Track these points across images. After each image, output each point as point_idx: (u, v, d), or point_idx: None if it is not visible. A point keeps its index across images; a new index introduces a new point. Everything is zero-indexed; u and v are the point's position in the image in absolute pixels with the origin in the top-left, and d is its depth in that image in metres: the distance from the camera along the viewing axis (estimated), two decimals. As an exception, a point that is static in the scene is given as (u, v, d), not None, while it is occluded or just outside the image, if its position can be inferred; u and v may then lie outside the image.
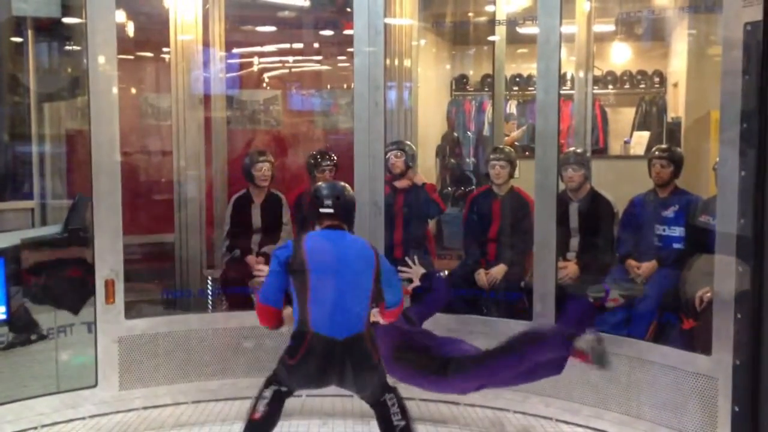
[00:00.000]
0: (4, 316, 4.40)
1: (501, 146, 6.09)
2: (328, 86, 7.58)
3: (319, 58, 7.55)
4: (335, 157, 5.86)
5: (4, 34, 5.64)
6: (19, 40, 5.62)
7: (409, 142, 5.96)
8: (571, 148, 5.87)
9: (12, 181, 5.78)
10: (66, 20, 5.18)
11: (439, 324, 4.89)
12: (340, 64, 7.43)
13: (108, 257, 4.64)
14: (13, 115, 5.85)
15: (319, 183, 4.00)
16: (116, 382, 4.75)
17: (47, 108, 5.62)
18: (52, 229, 5.08)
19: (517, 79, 9.21)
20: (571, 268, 5.09)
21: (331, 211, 3.79)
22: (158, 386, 4.86)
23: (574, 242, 5.24)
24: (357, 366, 3.59)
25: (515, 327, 4.70)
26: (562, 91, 4.89)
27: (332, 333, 3.56)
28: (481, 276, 5.31)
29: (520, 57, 8.76)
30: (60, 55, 5.81)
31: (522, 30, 7.42)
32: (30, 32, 5.49)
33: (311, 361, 3.56)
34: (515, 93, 9.20)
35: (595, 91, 7.30)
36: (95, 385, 4.69)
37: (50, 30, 5.46)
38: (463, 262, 5.60)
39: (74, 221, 4.96)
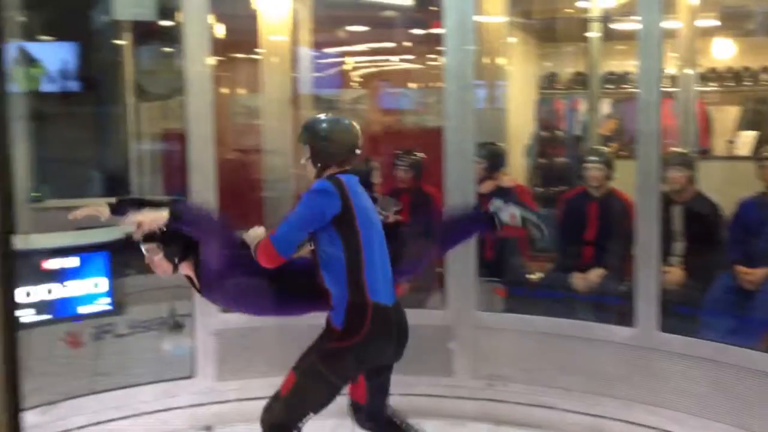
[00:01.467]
0: (110, 307, 4.52)
1: (598, 147, 5.92)
2: (416, 84, 7.53)
3: (407, 56, 7.52)
4: (417, 156, 5.78)
5: (105, 37, 5.80)
6: (120, 42, 5.76)
7: (496, 144, 5.85)
8: (675, 149, 5.67)
9: (113, 178, 5.93)
10: (162, 23, 5.26)
11: (535, 326, 4.82)
12: (427, 63, 7.37)
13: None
14: (114, 115, 6.01)
15: (336, 117, 3.60)
16: (212, 373, 4.82)
17: (145, 108, 5.73)
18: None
19: (611, 77, 8.99)
20: (675, 273, 4.90)
21: (360, 151, 3.48)
22: (253, 379, 4.87)
23: (678, 246, 5.04)
24: (404, 335, 3.39)
25: (614, 332, 4.59)
26: (663, 89, 4.73)
27: (386, 299, 3.30)
28: (578, 279, 5.17)
29: (614, 54, 8.53)
30: (158, 57, 5.93)
31: (616, 26, 7.24)
32: (129, 35, 5.62)
33: (379, 336, 3.27)
34: (609, 91, 8.98)
35: (698, 89, 7.04)
36: (193, 376, 4.76)
37: (148, 33, 5.57)
38: (558, 264, 5.47)
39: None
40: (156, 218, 3.37)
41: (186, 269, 3.53)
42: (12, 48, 5.11)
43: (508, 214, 3.72)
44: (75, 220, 3.49)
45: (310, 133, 3.43)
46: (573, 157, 8.14)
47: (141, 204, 3.58)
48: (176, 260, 3.49)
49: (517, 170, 7.81)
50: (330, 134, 3.40)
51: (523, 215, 3.76)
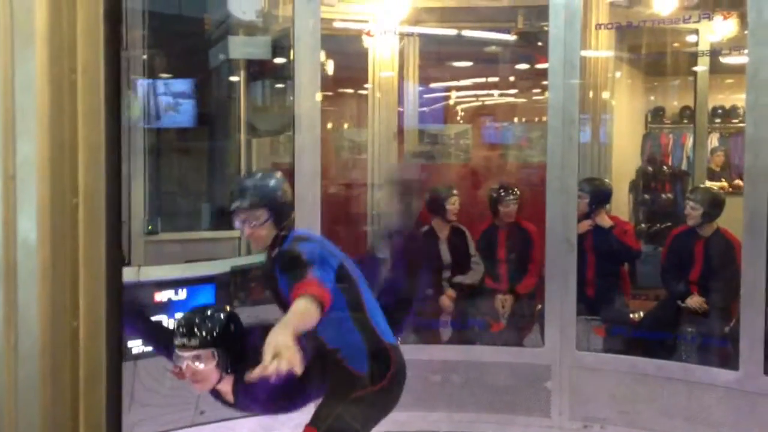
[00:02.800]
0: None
1: (701, 185, 5.80)
2: (519, 119, 7.55)
3: (511, 91, 7.55)
4: (518, 191, 5.77)
5: (221, 75, 6.09)
6: (234, 79, 6.04)
7: (602, 180, 5.80)
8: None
9: (224, 213, 6.18)
10: (275, 61, 5.49)
11: (635, 367, 4.73)
12: (532, 98, 7.39)
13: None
14: (227, 150, 6.28)
15: (272, 173, 3.53)
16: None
17: (255, 143, 5.97)
18: (257, 258, 5.38)
19: (719, 111, 8.76)
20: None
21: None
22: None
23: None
24: (405, 374, 3.20)
25: (718, 375, 4.47)
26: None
27: (392, 339, 3.16)
28: (694, 299, 5.05)
29: (722, 88, 8.33)
30: (270, 94, 6.18)
31: (724, 60, 7.09)
32: (243, 72, 5.88)
33: (400, 380, 3.13)
34: (717, 125, 8.76)
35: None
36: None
37: (261, 71, 5.82)
38: (663, 301, 5.35)
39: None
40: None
41: (225, 383, 3.01)
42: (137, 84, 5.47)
43: None
44: None
45: (264, 194, 3.17)
46: (679, 193, 7.97)
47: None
48: (228, 371, 2.94)
49: (621, 206, 7.70)
50: (286, 192, 3.30)
51: None
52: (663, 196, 8.36)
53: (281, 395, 3.07)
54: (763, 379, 4.27)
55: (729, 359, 4.59)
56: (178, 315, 3.30)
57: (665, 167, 8.57)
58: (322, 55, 5.20)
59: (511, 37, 6.70)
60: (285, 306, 3.01)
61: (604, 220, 5.54)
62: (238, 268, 4.87)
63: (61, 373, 1.15)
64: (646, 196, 8.25)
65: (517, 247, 5.70)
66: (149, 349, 4.32)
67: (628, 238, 5.58)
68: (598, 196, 5.55)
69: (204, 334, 2.86)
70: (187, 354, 2.85)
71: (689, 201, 5.27)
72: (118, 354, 1.20)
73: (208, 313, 2.98)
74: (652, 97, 9.15)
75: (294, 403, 3.26)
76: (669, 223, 7.50)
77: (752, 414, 4.30)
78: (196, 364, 2.85)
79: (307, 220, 4.82)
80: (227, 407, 3.22)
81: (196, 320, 2.90)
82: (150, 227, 5.42)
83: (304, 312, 2.66)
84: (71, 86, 1.12)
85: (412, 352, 5.10)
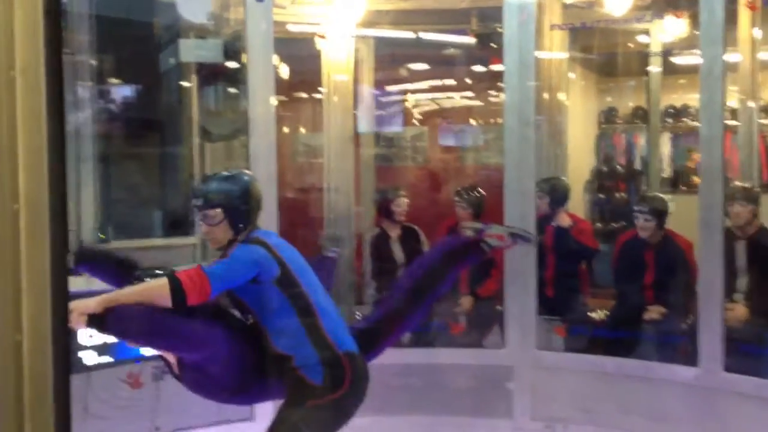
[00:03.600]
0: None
1: (650, 195, 5.84)
2: (476, 121, 7.56)
3: (467, 93, 7.56)
4: (479, 193, 5.77)
5: (171, 80, 5.98)
6: (185, 84, 5.93)
7: (560, 179, 5.82)
8: (738, 183, 5.56)
9: (176, 218, 6.06)
10: (228, 65, 5.41)
11: (596, 366, 4.75)
12: (488, 99, 7.40)
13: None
14: (179, 155, 6.17)
15: (239, 172, 3.52)
16: (270, 417, 4.83)
17: (209, 148, 5.88)
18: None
19: (671, 111, 8.87)
20: (739, 310, 4.78)
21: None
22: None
23: (742, 282, 4.92)
24: (367, 380, 3.19)
25: (679, 372, 4.50)
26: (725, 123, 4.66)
27: (352, 347, 3.14)
28: (653, 311, 5.05)
29: (674, 88, 8.43)
30: (222, 98, 6.09)
31: (677, 60, 7.18)
32: (195, 77, 5.78)
33: (358, 388, 3.13)
34: (668, 125, 8.86)
35: (760, 122, 6.91)
36: (251, 420, 4.79)
37: (213, 75, 5.72)
38: (620, 304, 5.38)
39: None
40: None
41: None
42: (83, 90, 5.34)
43: (495, 236, 3.59)
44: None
45: (221, 195, 3.20)
46: (633, 192, 8.06)
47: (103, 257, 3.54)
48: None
49: (577, 205, 7.75)
50: (248, 194, 3.27)
51: (509, 231, 3.67)
52: (617, 195, 8.45)
53: (227, 383, 3.17)
54: (722, 376, 4.30)
55: (689, 356, 4.61)
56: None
57: (619, 167, 8.66)
58: (276, 59, 5.12)
59: (470, 39, 6.70)
60: (239, 306, 3.20)
61: (564, 220, 5.56)
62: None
63: (4, 392, 1.09)
64: (601, 196, 8.32)
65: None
66: (103, 359, 4.24)
67: (585, 237, 5.61)
68: (558, 195, 5.57)
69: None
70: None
71: (641, 214, 5.14)
72: (65, 369, 1.13)
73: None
74: (607, 98, 9.24)
75: (240, 396, 3.38)
76: (624, 222, 7.57)
77: (712, 410, 4.34)
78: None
79: (264, 224, 4.74)
80: (177, 380, 3.28)
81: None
82: (101, 236, 5.28)
83: (146, 288, 3.04)
84: (9, 85, 1.06)
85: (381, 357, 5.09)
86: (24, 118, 1.08)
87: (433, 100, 7.58)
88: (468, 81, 7.40)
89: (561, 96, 6.63)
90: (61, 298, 1.11)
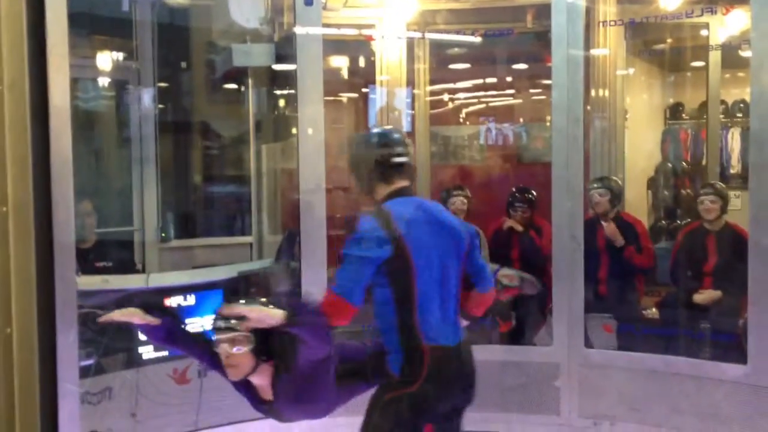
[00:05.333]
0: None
1: (713, 182, 5.76)
2: (533, 120, 7.53)
3: (521, 92, 7.54)
4: (533, 194, 5.78)
5: (227, 83, 6.18)
6: (240, 87, 6.12)
7: (608, 177, 5.77)
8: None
9: (234, 218, 6.26)
10: (279, 68, 5.54)
11: (644, 364, 4.71)
12: (543, 98, 7.37)
13: (314, 289, 4.87)
14: (235, 156, 6.37)
15: (378, 128, 3.35)
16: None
17: (265, 149, 6.03)
18: (264, 263, 5.44)
19: (741, 105, 8.64)
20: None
21: (407, 160, 2.99)
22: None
23: (797, 280, 4.81)
24: (470, 378, 3.01)
25: (728, 370, 4.43)
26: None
27: (446, 340, 2.93)
28: (705, 294, 5.04)
29: (739, 82, 8.22)
30: (274, 100, 6.25)
31: (744, 53, 6.99)
32: (249, 80, 5.95)
33: (438, 382, 2.89)
34: (738, 120, 8.63)
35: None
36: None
37: (265, 77, 5.88)
38: (672, 296, 5.32)
39: (284, 255, 5.27)
40: (268, 317, 2.75)
41: (263, 375, 2.94)
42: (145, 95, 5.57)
43: (507, 276, 3.60)
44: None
45: (348, 161, 3.15)
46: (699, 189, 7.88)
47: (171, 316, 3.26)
48: (263, 359, 2.89)
49: (639, 204, 7.65)
50: (358, 155, 3.09)
51: (519, 274, 3.67)
52: (683, 192, 8.29)
53: (322, 392, 2.99)
54: (772, 374, 4.22)
55: (739, 354, 4.53)
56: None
57: (685, 163, 8.48)
58: (329, 61, 5.24)
59: (523, 37, 6.69)
60: None
61: (610, 230, 5.47)
62: (245, 273, 4.94)
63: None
64: (666, 193, 8.18)
65: (532, 247, 5.69)
66: (160, 354, 4.41)
67: (642, 237, 5.54)
68: (617, 193, 5.53)
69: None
70: (222, 337, 2.84)
71: (706, 196, 5.26)
72: (51, 359, 1.25)
73: (245, 299, 2.96)
74: (672, 93, 9.05)
75: (332, 403, 3.14)
76: (689, 220, 7.43)
77: (762, 408, 4.26)
78: (231, 347, 2.83)
79: (312, 223, 4.87)
80: (264, 412, 3.10)
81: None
82: (163, 234, 5.51)
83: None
84: (-2, 99, 1.17)
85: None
86: (10, 128, 1.20)
87: (486, 98, 7.58)
88: (524, 79, 7.37)
89: (617, 92, 6.57)
90: (47, 294, 1.23)
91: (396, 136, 3.10)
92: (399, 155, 2.99)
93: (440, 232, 3.01)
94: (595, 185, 5.47)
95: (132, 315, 2.99)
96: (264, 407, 3.08)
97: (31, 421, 1.20)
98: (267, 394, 2.99)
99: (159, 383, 4.38)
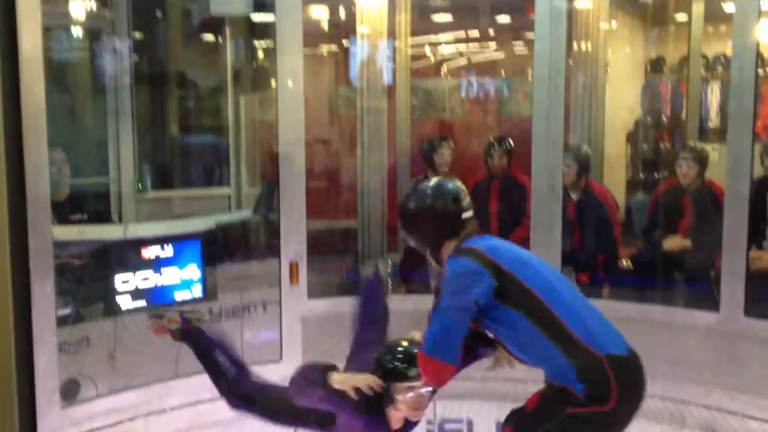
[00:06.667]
0: (201, 294, 4.72)
1: (692, 144, 5.77)
2: (512, 73, 7.49)
3: (503, 44, 7.49)
4: (510, 143, 5.78)
5: (204, 34, 6.09)
6: (217, 37, 6.04)
7: (584, 147, 5.76)
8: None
9: (212, 169, 6.23)
10: (257, 17, 5.47)
11: (618, 312, 4.74)
12: (525, 52, 7.33)
13: (293, 241, 4.88)
14: (213, 107, 6.31)
15: (436, 181, 2.96)
16: (300, 357, 4.98)
17: (243, 100, 5.98)
18: (243, 215, 5.43)
19: (722, 60, 8.63)
20: (766, 258, 4.75)
21: (471, 214, 2.89)
22: (340, 363, 5.04)
23: (772, 231, 4.89)
24: (643, 386, 2.77)
25: (700, 317, 4.50)
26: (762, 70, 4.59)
27: (617, 349, 2.69)
28: (674, 240, 5.08)
29: (720, 36, 8.20)
30: (252, 51, 6.17)
31: (727, 6, 6.97)
32: (227, 29, 5.87)
33: (630, 394, 2.68)
34: (718, 74, 8.63)
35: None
36: (280, 360, 4.95)
37: (243, 27, 5.80)
38: (648, 249, 5.37)
39: (263, 206, 5.26)
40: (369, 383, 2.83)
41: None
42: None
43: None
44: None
45: (404, 220, 2.96)
46: (678, 143, 7.91)
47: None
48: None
49: (618, 157, 7.67)
50: (427, 209, 2.89)
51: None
52: (661, 145, 8.31)
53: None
54: (743, 321, 4.29)
55: (711, 302, 4.60)
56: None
57: (664, 117, 8.49)
58: (309, 11, 5.16)
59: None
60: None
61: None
62: (224, 225, 4.92)
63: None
64: (645, 146, 8.20)
65: (511, 199, 5.71)
66: (137, 304, 4.40)
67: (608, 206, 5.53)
68: (584, 163, 5.52)
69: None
70: (407, 385, 2.84)
71: (684, 161, 5.25)
72: (27, 310, 1.24)
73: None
74: (653, 46, 9.01)
75: None
76: (666, 173, 7.47)
77: (732, 354, 4.34)
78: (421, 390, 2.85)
79: (291, 175, 4.85)
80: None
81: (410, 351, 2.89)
82: (140, 185, 5.47)
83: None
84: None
85: (399, 303, 5.18)
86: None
87: (468, 51, 7.52)
88: (505, 32, 7.32)
89: (598, 45, 6.54)
90: (21, 244, 1.21)
91: (461, 186, 2.94)
92: (468, 209, 2.89)
93: (521, 249, 2.95)
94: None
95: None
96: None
97: (6, 369, 1.20)
98: (398, 424, 2.97)
99: (137, 333, 4.39)
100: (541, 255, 4.78)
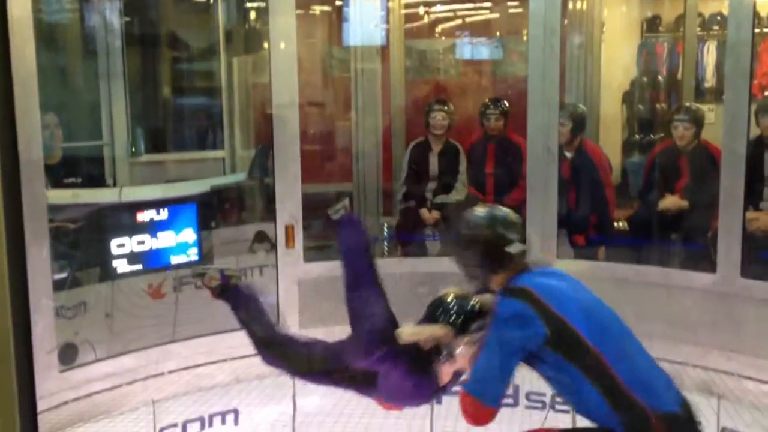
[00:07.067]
0: (197, 257, 4.71)
1: (688, 104, 5.72)
2: (507, 33, 7.42)
3: (498, 3, 7.40)
4: (506, 105, 5.74)
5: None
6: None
7: (580, 106, 5.72)
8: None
9: (206, 132, 6.18)
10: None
11: (614, 273, 4.77)
12: (519, 10, 7.25)
13: (288, 204, 4.87)
14: (206, 69, 6.23)
15: (487, 210, 2.79)
16: (296, 321, 5.00)
17: (236, 62, 5.91)
18: (238, 177, 5.41)
19: (718, 18, 8.56)
20: (763, 219, 4.74)
21: (521, 248, 2.69)
22: (335, 326, 5.06)
23: (768, 192, 4.88)
24: None
25: (696, 278, 4.51)
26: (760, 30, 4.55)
27: (670, 405, 2.52)
28: (667, 199, 5.05)
29: (718, -6, 8.13)
30: (244, 11, 6.09)
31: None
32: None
33: None
34: (714, 33, 8.57)
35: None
36: (277, 324, 4.95)
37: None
38: (644, 209, 5.36)
39: (257, 170, 5.24)
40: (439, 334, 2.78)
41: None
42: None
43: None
44: None
45: (452, 246, 2.83)
46: (674, 103, 7.87)
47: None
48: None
49: (614, 118, 7.63)
50: (471, 239, 2.72)
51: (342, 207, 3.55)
52: (658, 106, 8.27)
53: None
54: (739, 281, 4.31)
55: (708, 263, 4.61)
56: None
57: (660, 77, 8.44)
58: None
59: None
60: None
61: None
62: (219, 188, 4.90)
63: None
64: (641, 107, 8.15)
65: (507, 161, 5.69)
66: (134, 268, 4.39)
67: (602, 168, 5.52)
68: (579, 122, 5.47)
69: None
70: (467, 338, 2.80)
71: (680, 123, 5.16)
72: (23, 274, 1.22)
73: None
74: (650, 5, 8.92)
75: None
76: (662, 134, 7.44)
77: (728, 315, 4.36)
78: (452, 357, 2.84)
79: (285, 138, 4.82)
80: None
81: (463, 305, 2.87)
82: (133, 149, 5.43)
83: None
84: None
85: (396, 266, 5.20)
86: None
87: (463, 11, 7.44)
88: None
89: (592, 4, 6.48)
90: (15, 208, 1.18)
91: (512, 218, 2.76)
92: (517, 242, 2.70)
93: (583, 289, 2.71)
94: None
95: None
96: (439, 393, 3.06)
97: (3, 334, 1.18)
98: (448, 378, 2.94)
99: (134, 297, 4.39)
100: (537, 216, 4.89)
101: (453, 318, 2.82)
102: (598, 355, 2.49)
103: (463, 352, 2.77)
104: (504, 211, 2.77)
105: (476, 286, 2.84)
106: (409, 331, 2.92)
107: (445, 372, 2.90)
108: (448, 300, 2.90)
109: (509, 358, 2.53)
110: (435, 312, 2.89)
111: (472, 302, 2.84)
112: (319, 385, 3.37)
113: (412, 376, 2.89)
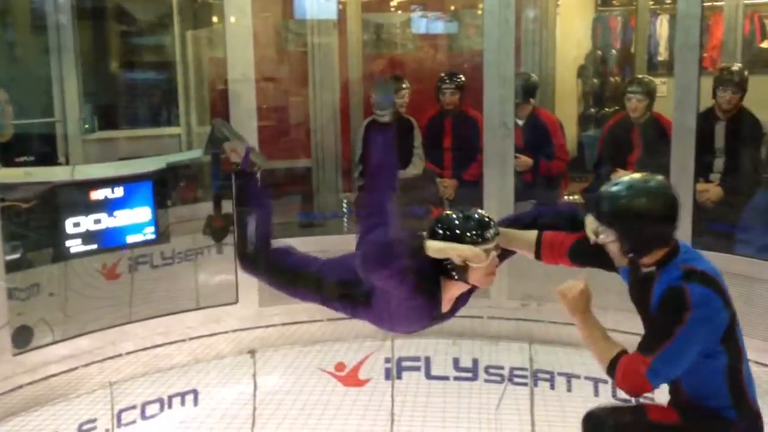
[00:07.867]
0: (153, 236, 4.67)
1: (640, 77, 5.79)
2: (462, 6, 7.41)
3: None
4: (462, 79, 5.75)
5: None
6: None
7: (531, 75, 5.76)
8: (728, 66, 5.45)
9: (160, 108, 6.09)
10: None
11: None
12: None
13: (245, 180, 4.82)
14: (159, 44, 6.13)
15: (661, 182, 2.65)
16: (256, 299, 4.98)
17: (190, 36, 5.82)
18: (194, 154, 5.34)
19: (670, -9, 8.66)
20: (713, 191, 4.84)
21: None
22: (294, 304, 5.04)
23: (719, 163, 4.96)
24: None
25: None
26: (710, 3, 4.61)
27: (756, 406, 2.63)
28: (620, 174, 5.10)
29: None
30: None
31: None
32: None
33: None
34: (667, 7, 8.66)
35: (747, 2, 6.74)
36: (236, 302, 4.95)
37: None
38: (596, 182, 5.44)
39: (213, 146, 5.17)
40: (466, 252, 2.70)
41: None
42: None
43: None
44: None
45: (616, 215, 2.63)
46: (628, 76, 7.95)
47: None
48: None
49: (569, 91, 7.70)
50: (650, 211, 2.57)
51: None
52: (612, 80, 8.35)
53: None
54: (690, 253, 4.37)
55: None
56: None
57: (614, 51, 8.52)
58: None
59: None
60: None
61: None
62: (175, 165, 4.84)
63: None
64: (595, 81, 8.23)
65: (463, 136, 5.71)
66: (89, 248, 4.31)
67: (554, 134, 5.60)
68: (528, 90, 5.55)
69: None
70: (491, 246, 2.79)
71: (633, 95, 5.23)
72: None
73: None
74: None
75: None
76: (617, 107, 7.52)
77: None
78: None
79: (242, 113, 4.78)
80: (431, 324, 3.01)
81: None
82: (86, 126, 5.34)
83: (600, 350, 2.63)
84: None
85: (349, 242, 5.19)
86: None
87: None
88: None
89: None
90: None
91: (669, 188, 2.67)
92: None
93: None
94: None
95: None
96: (437, 320, 2.99)
97: None
98: (448, 305, 2.93)
99: (88, 278, 4.34)
100: (495, 191, 4.92)
101: (469, 232, 2.75)
102: (741, 350, 2.55)
103: (482, 263, 2.74)
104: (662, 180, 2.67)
105: (623, 263, 2.72)
106: (437, 246, 2.75)
107: (447, 298, 2.86)
108: (464, 215, 2.81)
109: (697, 346, 2.46)
110: (442, 232, 2.78)
111: (477, 213, 2.82)
112: (305, 301, 3.33)
113: (417, 297, 2.79)
